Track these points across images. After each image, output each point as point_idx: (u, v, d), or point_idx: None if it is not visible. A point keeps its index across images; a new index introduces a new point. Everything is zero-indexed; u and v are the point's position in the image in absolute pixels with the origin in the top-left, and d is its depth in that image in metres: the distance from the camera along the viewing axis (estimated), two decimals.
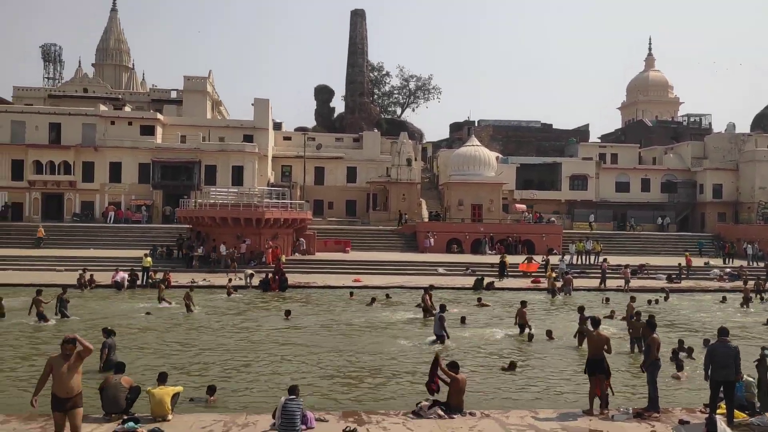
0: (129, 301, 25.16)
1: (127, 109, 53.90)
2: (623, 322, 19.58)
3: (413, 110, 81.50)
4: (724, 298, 28.08)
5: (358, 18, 66.36)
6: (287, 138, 57.91)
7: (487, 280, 31.01)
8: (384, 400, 12.35)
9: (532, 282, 32.57)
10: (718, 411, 10.23)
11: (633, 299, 21.09)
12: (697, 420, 10.16)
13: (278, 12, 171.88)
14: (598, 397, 10.90)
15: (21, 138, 48.07)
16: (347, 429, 9.61)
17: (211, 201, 38.21)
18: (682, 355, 15.67)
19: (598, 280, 31.85)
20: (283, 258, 34.14)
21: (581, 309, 18.61)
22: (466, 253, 43.51)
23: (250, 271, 30.41)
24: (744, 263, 39.54)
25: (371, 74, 71.61)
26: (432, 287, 25.07)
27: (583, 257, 39.81)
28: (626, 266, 32.36)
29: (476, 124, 70.39)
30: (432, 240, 43.44)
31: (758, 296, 28.79)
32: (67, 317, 20.37)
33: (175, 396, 10.60)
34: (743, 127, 65.08)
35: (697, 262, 38.82)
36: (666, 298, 27.42)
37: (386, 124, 67.20)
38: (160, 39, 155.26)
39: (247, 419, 10.15)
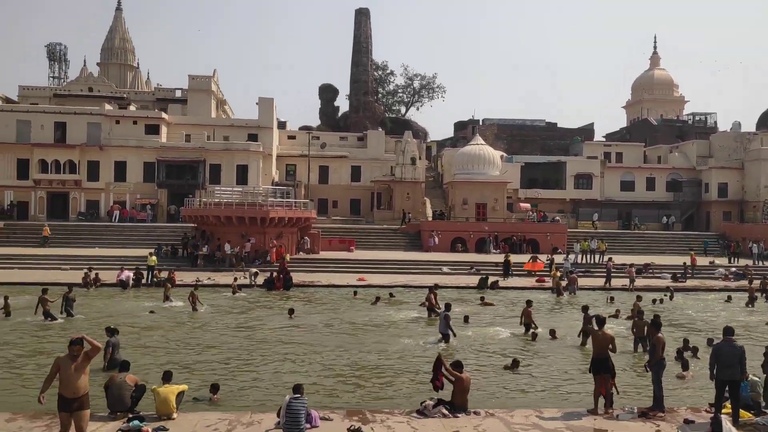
0: (134, 299, 25.23)
1: (132, 108, 54.03)
2: (628, 322, 19.54)
3: (417, 109, 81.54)
4: (730, 298, 28.01)
5: (362, 17, 66.33)
6: (292, 137, 57.95)
7: (491, 279, 30.99)
8: (388, 399, 12.35)
9: (537, 281, 32.55)
10: (724, 410, 10.19)
11: (639, 298, 21.07)
12: (702, 419, 10.14)
13: (283, 11, 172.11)
14: (602, 397, 10.88)
15: (26, 137, 48.20)
16: (352, 428, 9.62)
17: (216, 200, 38.31)
18: (687, 354, 15.63)
19: (603, 280, 31.80)
20: (288, 257, 34.17)
21: (585, 308, 18.59)
22: (470, 252, 43.49)
23: (254, 270, 30.47)
24: (749, 262, 39.40)
25: (376, 73, 71.58)
26: (437, 286, 25.09)
27: (588, 256, 39.75)
28: (631, 265, 32.29)
29: (481, 123, 70.33)
30: (436, 239, 43.41)
31: (763, 295, 28.73)
32: (72, 316, 20.44)
33: (180, 394, 10.63)
34: (749, 125, 64.89)
35: (702, 261, 38.74)
36: (671, 298, 27.37)
37: (390, 123, 67.19)
38: (165, 38, 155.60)
39: (252, 418, 10.17)
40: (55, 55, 73.32)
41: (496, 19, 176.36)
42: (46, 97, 58.07)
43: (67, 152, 48.14)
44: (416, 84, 76.51)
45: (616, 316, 21.38)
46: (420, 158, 54.43)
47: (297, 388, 9.89)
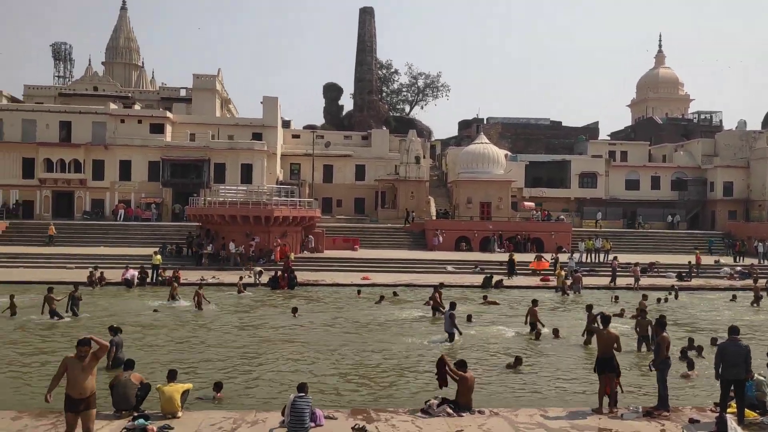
0: (139, 298, 25.29)
1: (137, 107, 54.13)
2: (633, 321, 19.48)
3: (422, 108, 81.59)
4: (734, 297, 27.93)
5: (366, 16, 66.31)
6: (296, 136, 57.98)
7: (495, 278, 30.96)
8: (393, 398, 12.36)
9: (541, 280, 32.51)
10: (729, 410, 10.17)
11: (645, 297, 21.03)
12: (708, 419, 10.11)
13: (287, 10, 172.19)
14: (607, 396, 10.86)
15: (32, 136, 48.33)
16: (356, 426, 9.62)
17: (221, 199, 38.38)
18: (692, 354, 15.60)
19: (608, 279, 31.76)
20: (292, 256, 34.22)
21: (589, 307, 18.55)
22: (474, 251, 43.44)
23: (258, 269, 30.52)
24: (755, 261, 39.29)
25: (380, 72, 71.58)
26: (442, 285, 25.11)
27: (593, 255, 39.68)
28: (636, 264, 32.25)
29: (485, 122, 70.31)
30: (440, 238, 43.38)
31: None
32: (77, 315, 20.50)
33: (185, 393, 10.65)
34: (754, 124, 64.74)
35: (707, 260, 38.63)
36: (676, 297, 27.31)
37: (395, 122, 67.17)
38: (170, 37, 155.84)
39: (257, 416, 10.18)
40: (60, 55, 73.56)
41: (501, 18, 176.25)
42: (51, 96, 58.18)
43: (72, 151, 48.26)
44: (420, 83, 76.60)
45: (621, 315, 21.33)
46: (424, 157, 54.40)
47: (301, 387, 9.91)
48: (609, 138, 72.50)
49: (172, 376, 10.99)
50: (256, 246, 35.69)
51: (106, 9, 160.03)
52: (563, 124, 72.28)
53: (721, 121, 71.65)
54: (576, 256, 37.26)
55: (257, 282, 29.31)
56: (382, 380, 13.70)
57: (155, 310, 21.96)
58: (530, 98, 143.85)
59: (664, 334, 11.22)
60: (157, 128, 49.96)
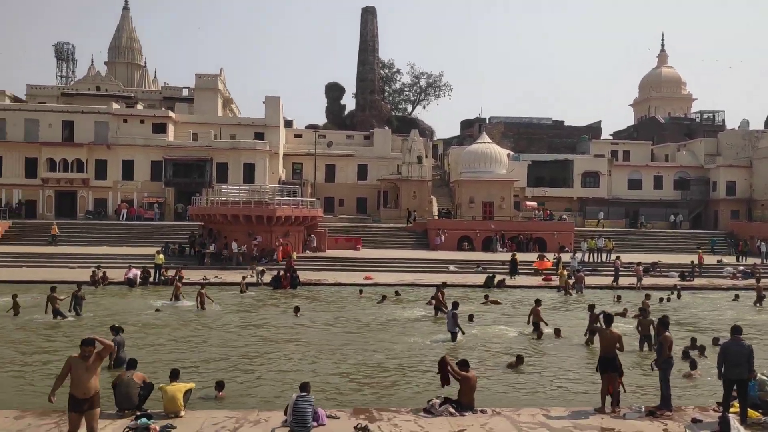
0: (142, 298, 25.33)
1: (140, 107, 54.18)
2: (635, 320, 19.47)
3: (424, 107, 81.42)
4: (737, 296, 27.89)
5: (368, 15, 66.28)
6: (298, 135, 58.01)
7: (498, 277, 30.95)
8: (395, 398, 12.36)
9: (544, 280, 32.51)
10: (731, 410, 10.16)
11: (648, 297, 21.02)
12: (710, 419, 10.10)
13: (289, 10, 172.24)
14: (609, 395, 10.86)
15: (34, 136, 48.39)
16: (358, 426, 9.63)
17: (223, 198, 38.41)
18: (694, 353, 15.59)
19: (610, 278, 31.74)
20: (294, 255, 34.24)
21: (591, 307, 18.53)
22: (477, 250, 43.43)
23: (260, 268, 30.56)
24: (757, 261, 39.25)
25: (382, 71, 71.55)
26: (445, 285, 25.10)
27: (595, 255, 39.65)
28: (639, 264, 32.23)
29: (487, 121, 70.21)
30: (443, 237, 43.38)
31: None
32: (79, 314, 20.52)
33: (188, 392, 10.66)
34: (757, 123, 64.59)
35: (710, 259, 38.59)
36: (678, 296, 27.28)
37: (397, 122, 67.15)
38: (172, 37, 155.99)
39: (259, 416, 10.19)
40: (63, 55, 73.63)
41: (503, 17, 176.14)
42: (53, 96, 58.24)
43: (74, 151, 48.32)
44: (423, 82, 76.54)
45: (623, 314, 21.32)
46: (426, 157, 54.40)
47: (304, 387, 9.92)
48: (611, 137, 72.37)
49: (174, 376, 11.01)
50: (259, 246, 35.71)
51: (108, 9, 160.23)
52: (566, 124, 72.15)
53: (723, 120, 71.48)
54: (578, 255, 37.25)
55: (259, 281, 29.33)
56: (385, 380, 13.70)
57: (157, 310, 21.99)
58: (533, 98, 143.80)
59: (667, 333, 11.20)
60: (160, 128, 50.01)
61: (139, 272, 29.00)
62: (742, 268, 36.68)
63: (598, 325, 15.44)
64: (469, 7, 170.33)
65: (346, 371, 14.24)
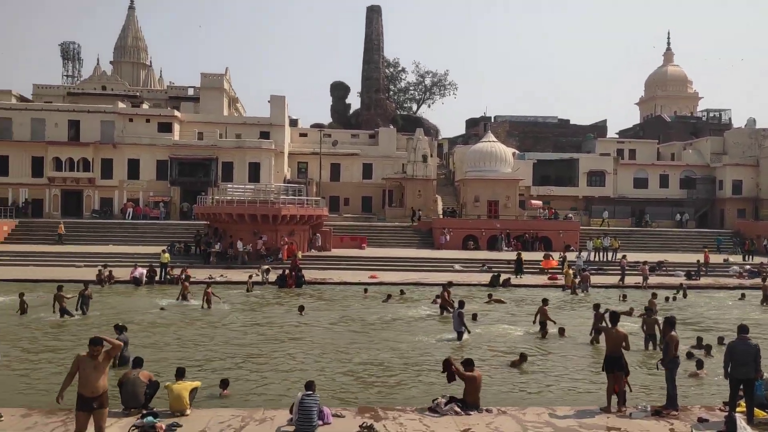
0: (148, 296, 25.39)
1: (145, 106, 54.33)
2: (641, 319, 19.42)
3: (429, 106, 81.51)
4: (744, 295, 27.78)
5: (374, 14, 66.28)
6: (303, 134, 58.07)
7: (503, 276, 30.91)
8: (400, 396, 12.36)
9: (549, 279, 32.45)
10: (738, 409, 10.12)
11: (654, 296, 20.96)
12: (717, 418, 10.07)
13: (294, 9, 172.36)
14: (615, 395, 10.83)
15: (41, 135, 48.60)
16: (364, 425, 9.63)
17: (228, 198, 38.48)
18: (700, 353, 15.53)
19: (616, 278, 31.67)
20: (300, 254, 34.27)
21: (597, 306, 18.48)
22: (482, 249, 43.38)
23: (266, 267, 30.59)
24: (764, 260, 39.03)
25: (387, 70, 71.52)
26: (451, 284, 25.07)
27: (601, 254, 39.55)
28: (645, 263, 32.14)
29: (492, 120, 70.06)
30: (448, 236, 43.34)
31: None
32: (86, 313, 20.59)
33: (193, 391, 10.67)
34: (763, 122, 64.45)
35: (716, 258, 38.47)
36: (684, 295, 27.20)
37: (402, 121, 67.13)
38: (177, 36, 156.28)
39: (265, 414, 10.20)
40: (69, 54, 73.86)
41: (509, 16, 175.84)
42: (59, 95, 58.50)
43: (80, 150, 48.48)
44: (428, 81, 76.49)
45: (629, 313, 21.25)
46: (431, 156, 54.36)
47: (309, 385, 9.93)
48: (617, 136, 72.15)
49: (180, 374, 11.02)
50: (264, 244, 35.75)
51: (114, 8, 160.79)
52: (571, 123, 71.92)
53: (730, 119, 71.21)
54: (584, 254, 37.15)
55: (265, 280, 29.38)
56: (390, 379, 13.70)
57: (162, 309, 22.05)
58: (538, 96, 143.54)
59: (673, 333, 11.15)
60: (165, 127, 50.13)
61: (145, 271, 29.08)
62: (748, 267, 36.56)
63: (604, 324, 15.46)
64: (473, 6, 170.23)
65: (352, 370, 14.25)
